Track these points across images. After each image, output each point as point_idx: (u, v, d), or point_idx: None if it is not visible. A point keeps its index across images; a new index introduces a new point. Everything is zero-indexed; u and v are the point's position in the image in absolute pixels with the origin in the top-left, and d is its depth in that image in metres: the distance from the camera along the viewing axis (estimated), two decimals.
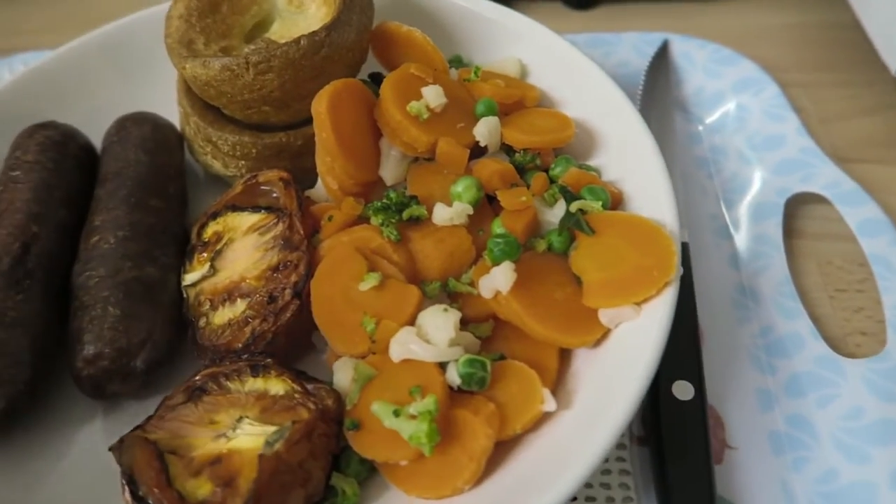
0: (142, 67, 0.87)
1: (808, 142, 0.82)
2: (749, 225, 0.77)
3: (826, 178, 0.78)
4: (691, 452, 0.59)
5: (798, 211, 0.79)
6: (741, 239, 0.76)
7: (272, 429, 0.54)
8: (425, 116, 0.66)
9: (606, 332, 0.58)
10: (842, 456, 0.60)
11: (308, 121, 0.73)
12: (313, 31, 0.67)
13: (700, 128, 0.88)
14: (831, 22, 1.03)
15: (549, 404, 0.54)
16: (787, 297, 0.70)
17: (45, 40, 1.15)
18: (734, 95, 0.88)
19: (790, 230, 0.78)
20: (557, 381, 0.58)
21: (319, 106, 0.64)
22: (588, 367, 0.58)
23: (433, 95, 0.67)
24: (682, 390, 0.61)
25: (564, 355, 0.59)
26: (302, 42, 0.66)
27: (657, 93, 0.88)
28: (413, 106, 0.66)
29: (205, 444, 0.54)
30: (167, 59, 0.81)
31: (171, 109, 0.82)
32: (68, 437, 0.64)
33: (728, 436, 0.63)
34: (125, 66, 0.87)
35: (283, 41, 0.74)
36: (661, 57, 0.93)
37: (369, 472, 0.57)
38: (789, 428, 0.63)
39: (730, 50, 0.93)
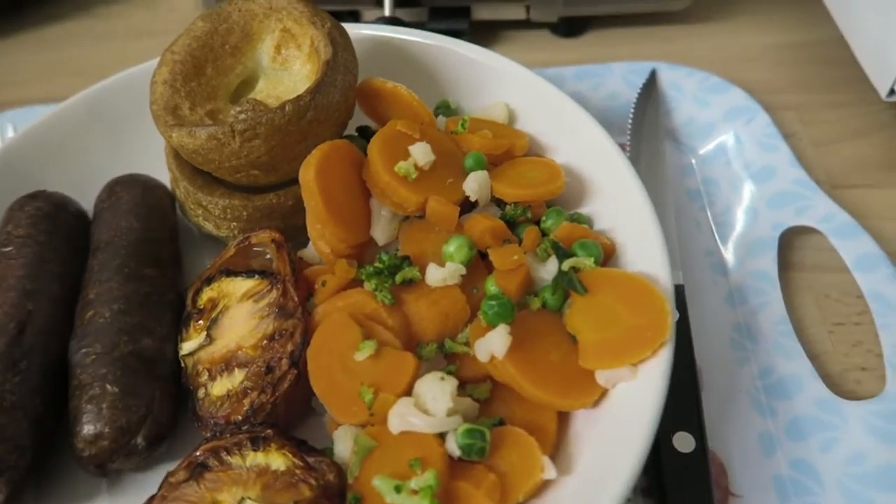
0: (130, 127, 0.87)
1: (800, 173, 0.81)
2: (745, 260, 0.77)
3: (819, 211, 0.77)
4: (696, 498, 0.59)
5: (793, 242, 0.79)
6: (737, 275, 0.76)
7: None
8: (413, 176, 0.66)
9: (604, 393, 0.58)
10: (847, 503, 0.60)
11: (296, 180, 0.73)
12: (298, 96, 0.67)
13: (693, 159, 0.88)
14: (818, 41, 1.02)
15: (549, 472, 0.54)
16: (785, 336, 0.70)
17: (33, 91, 1.16)
18: (726, 125, 0.88)
19: (786, 263, 0.77)
20: (557, 445, 0.58)
21: (307, 174, 0.64)
22: (587, 428, 0.57)
23: (421, 153, 0.67)
24: (683, 442, 0.61)
25: (563, 416, 0.59)
26: (287, 108, 0.66)
27: (647, 124, 0.88)
28: (401, 166, 0.66)
29: None
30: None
31: (162, 168, 0.82)
32: None
33: (732, 483, 0.63)
34: (113, 127, 0.87)
35: (269, 100, 0.74)
36: (650, 87, 0.93)
37: None
38: (793, 473, 0.63)
39: (718, 78, 0.92)
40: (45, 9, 1.32)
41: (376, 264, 0.64)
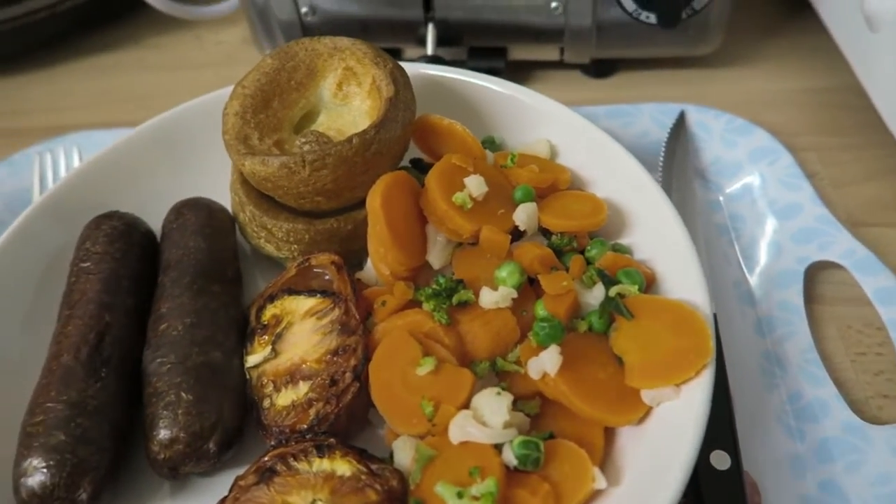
0: (192, 153, 0.93)
1: (822, 210, 0.86)
2: (771, 292, 0.82)
3: (841, 246, 0.82)
4: None
5: (817, 277, 0.84)
6: (765, 306, 0.81)
7: None
8: (469, 206, 0.71)
9: (649, 410, 0.62)
10: None
11: (355, 206, 0.79)
12: (364, 130, 0.72)
13: (720, 196, 0.93)
14: (838, 86, 1.08)
15: (601, 482, 0.58)
16: (812, 364, 0.74)
17: (87, 116, 1.22)
18: (751, 165, 0.93)
19: (810, 296, 0.82)
20: (604, 458, 0.62)
21: (374, 202, 0.70)
22: (633, 444, 0.62)
23: (475, 185, 0.72)
24: (720, 460, 0.65)
25: (608, 431, 0.64)
26: (354, 141, 0.72)
27: (677, 162, 0.94)
28: (458, 197, 0.71)
29: None
30: (214, 145, 0.88)
31: (220, 192, 0.88)
32: None
33: (764, 501, 0.67)
34: (176, 153, 0.93)
35: (330, 132, 0.80)
36: (679, 127, 0.98)
37: None
38: (822, 493, 0.66)
39: (743, 120, 0.98)
40: (97, 39, 1.40)
41: (434, 286, 0.69)
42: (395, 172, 0.73)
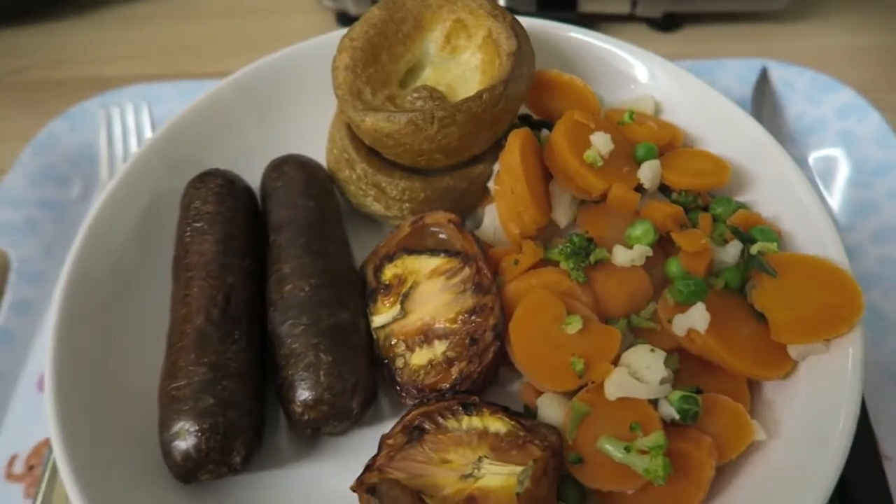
0: (279, 108, 0.90)
1: None
2: (869, 248, 0.83)
3: None
4: (863, 453, 0.65)
5: None
6: (863, 263, 0.82)
7: (517, 468, 0.58)
8: (600, 164, 0.71)
9: (794, 365, 0.64)
10: None
11: (467, 164, 0.78)
12: (492, 86, 0.71)
13: (806, 154, 0.94)
14: None
15: (760, 433, 0.60)
16: None
17: (131, 68, 1.17)
18: (837, 122, 0.94)
19: None
20: (752, 411, 0.63)
21: (512, 159, 0.69)
22: (779, 397, 0.63)
23: (603, 143, 0.71)
24: None
25: (750, 386, 0.65)
26: (484, 97, 0.70)
27: (765, 119, 0.94)
28: (589, 154, 0.70)
29: (452, 484, 0.59)
30: (302, 99, 0.85)
31: (308, 148, 0.85)
32: (288, 475, 0.68)
33: (882, 445, 0.70)
34: (263, 108, 0.89)
35: (438, 87, 0.78)
36: (763, 83, 0.98)
37: (584, 499, 0.62)
38: None
39: (827, 76, 0.98)
40: None
41: (569, 245, 0.68)
42: (524, 130, 0.72)
